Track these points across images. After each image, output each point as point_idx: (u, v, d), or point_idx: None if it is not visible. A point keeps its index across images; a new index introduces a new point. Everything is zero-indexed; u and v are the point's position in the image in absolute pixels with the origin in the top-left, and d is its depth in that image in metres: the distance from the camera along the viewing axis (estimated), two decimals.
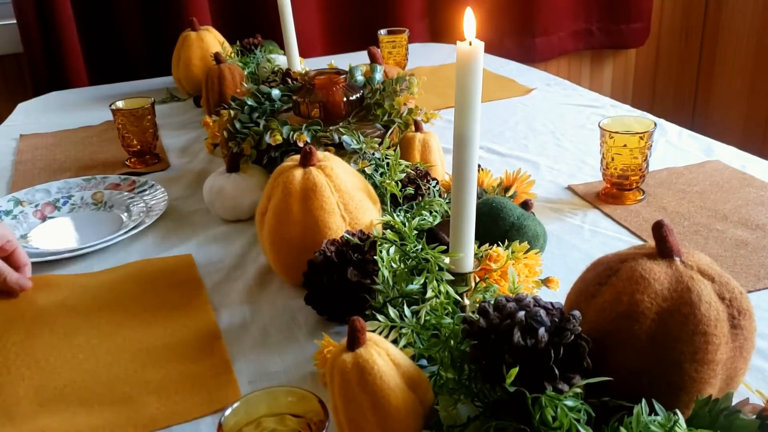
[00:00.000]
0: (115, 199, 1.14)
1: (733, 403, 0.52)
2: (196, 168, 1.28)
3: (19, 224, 1.09)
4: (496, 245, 0.77)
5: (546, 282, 0.78)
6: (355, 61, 1.28)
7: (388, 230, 0.76)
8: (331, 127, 1.03)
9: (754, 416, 0.53)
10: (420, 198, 0.92)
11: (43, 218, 1.11)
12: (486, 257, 0.75)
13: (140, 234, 1.04)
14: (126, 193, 1.15)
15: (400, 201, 0.91)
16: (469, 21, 0.61)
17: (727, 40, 2.58)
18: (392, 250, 0.73)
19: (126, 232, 1.02)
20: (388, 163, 0.94)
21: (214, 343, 0.78)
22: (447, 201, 0.89)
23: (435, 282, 0.67)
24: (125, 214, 1.10)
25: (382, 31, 1.74)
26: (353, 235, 0.78)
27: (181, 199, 1.16)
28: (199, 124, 1.49)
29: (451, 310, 0.67)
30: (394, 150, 0.94)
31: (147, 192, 1.15)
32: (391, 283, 0.71)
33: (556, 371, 0.52)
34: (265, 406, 0.57)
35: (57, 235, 1.07)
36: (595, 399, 0.55)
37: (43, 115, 1.65)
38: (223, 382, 0.72)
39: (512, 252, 0.75)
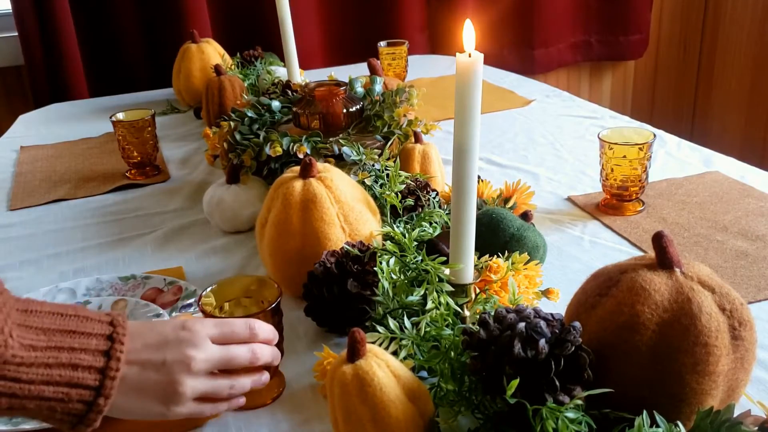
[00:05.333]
0: (139, 313, 0.81)
1: (735, 415, 0.52)
2: (196, 179, 1.29)
3: None
4: (496, 256, 0.77)
5: (546, 293, 0.78)
6: (355, 72, 1.29)
7: (388, 241, 0.76)
8: (331, 139, 1.03)
9: (756, 428, 0.52)
10: (420, 209, 0.92)
11: None
12: (486, 268, 0.75)
13: (139, 245, 1.04)
14: (153, 307, 0.83)
15: (400, 212, 0.91)
16: (468, 33, 0.61)
17: (725, 51, 2.59)
18: (392, 261, 0.73)
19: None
20: (387, 175, 0.94)
21: None
22: (447, 212, 0.89)
23: (435, 293, 0.67)
24: None
25: (382, 43, 1.75)
26: (353, 246, 0.78)
27: (181, 211, 1.16)
28: (200, 136, 1.49)
29: (451, 321, 0.67)
30: (394, 161, 0.95)
31: (192, 308, 0.84)
32: (391, 294, 0.71)
33: (557, 383, 0.52)
34: (234, 290, 0.72)
35: None
36: (596, 411, 0.54)
37: (44, 126, 1.65)
38: None
39: (512, 263, 0.75)
